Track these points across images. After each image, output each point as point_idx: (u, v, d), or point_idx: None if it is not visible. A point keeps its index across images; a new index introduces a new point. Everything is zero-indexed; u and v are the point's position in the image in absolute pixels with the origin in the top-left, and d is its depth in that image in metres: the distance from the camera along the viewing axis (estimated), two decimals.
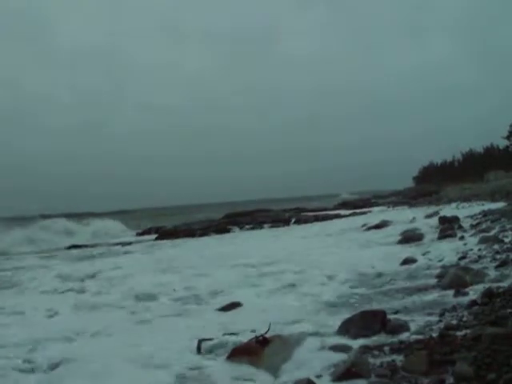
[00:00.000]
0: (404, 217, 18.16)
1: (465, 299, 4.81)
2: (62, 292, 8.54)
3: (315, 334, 4.47)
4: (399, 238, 11.73)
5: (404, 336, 3.92)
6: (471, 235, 9.90)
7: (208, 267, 10.16)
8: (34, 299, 7.97)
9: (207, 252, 13.76)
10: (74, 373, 3.95)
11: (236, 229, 24.69)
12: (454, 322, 4.05)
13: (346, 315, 4.67)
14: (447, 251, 8.45)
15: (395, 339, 3.86)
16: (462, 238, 9.79)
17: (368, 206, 35.55)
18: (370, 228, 15.83)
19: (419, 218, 16.76)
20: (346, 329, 4.26)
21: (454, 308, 4.53)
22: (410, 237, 11.36)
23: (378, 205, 36.51)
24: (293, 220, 26.37)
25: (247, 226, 25.45)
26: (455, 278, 5.60)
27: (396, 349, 3.58)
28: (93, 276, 10.22)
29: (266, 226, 25.19)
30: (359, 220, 20.67)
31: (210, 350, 4.19)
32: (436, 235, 11.00)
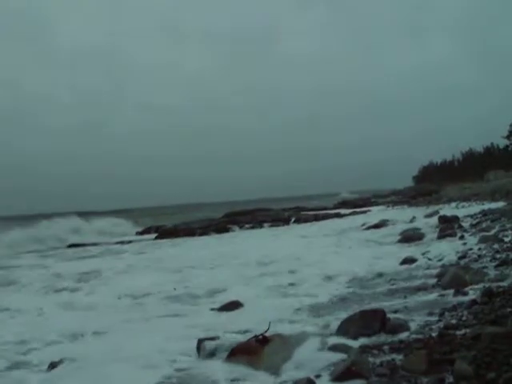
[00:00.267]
0: (404, 216, 18.16)
1: (464, 299, 4.81)
2: (57, 291, 8.54)
3: (315, 333, 4.47)
4: (399, 237, 11.73)
5: (404, 335, 3.92)
6: (471, 235, 9.91)
7: (207, 267, 10.17)
8: (27, 298, 7.96)
9: (206, 251, 13.77)
10: (69, 374, 3.96)
11: (236, 228, 24.70)
12: (454, 321, 4.05)
13: (346, 315, 4.67)
14: (447, 251, 8.45)
15: (395, 338, 3.86)
16: (461, 237, 9.79)
17: (368, 206, 35.55)
18: (369, 227, 15.83)
19: (419, 217, 16.76)
20: (345, 328, 4.26)
21: (454, 307, 4.53)
22: (410, 236, 11.37)
23: (377, 204, 36.50)
24: (292, 219, 26.36)
25: (247, 226, 25.44)
26: (455, 278, 5.60)
27: (396, 348, 3.58)
28: (89, 275, 10.22)
29: (265, 225, 25.19)
30: (359, 219, 20.67)
31: (210, 350, 4.19)
32: (436, 235, 11.00)
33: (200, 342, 4.27)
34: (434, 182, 48.71)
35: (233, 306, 5.99)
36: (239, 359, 3.72)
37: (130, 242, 21.69)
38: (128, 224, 31.64)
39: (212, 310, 6.03)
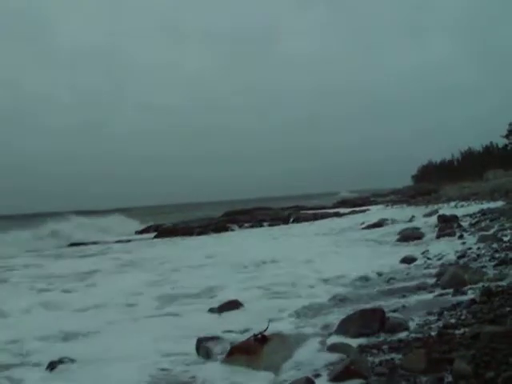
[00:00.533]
0: (403, 215, 18.17)
1: (463, 298, 4.81)
2: (45, 290, 8.50)
3: (314, 332, 4.48)
4: (398, 236, 11.74)
5: (403, 335, 3.92)
6: (470, 234, 9.92)
7: (206, 267, 10.17)
8: (14, 297, 7.92)
9: (205, 251, 13.75)
10: (66, 374, 3.96)
11: (235, 227, 24.69)
12: (453, 320, 4.05)
13: (345, 314, 4.67)
14: (446, 250, 8.46)
15: (394, 338, 3.86)
16: (460, 236, 9.80)
17: (367, 205, 35.55)
18: (368, 226, 15.85)
19: (418, 216, 16.77)
20: (344, 328, 4.26)
21: (453, 307, 4.53)
22: (409, 235, 11.39)
23: (376, 203, 36.49)
24: (292, 218, 26.36)
25: (246, 225, 25.44)
26: (454, 277, 5.60)
27: (395, 347, 3.58)
28: (82, 275, 10.21)
29: (265, 224, 25.19)
30: (358, 218, 20.68)
31: (209, 349, 4.19)
32: (435, 234, 11.01)
33: (199, 341, 4.27)
34: (433, 181, 48.68)
35: (231, 305, 5.97)
36: (238, 359, 3.72)
37: (128, 241, 21.70)
38: (129, 222, 31.59)
39: (210, 309, 6.02)
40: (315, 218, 25.32)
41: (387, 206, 30.38)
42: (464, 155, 56.06)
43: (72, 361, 4.21)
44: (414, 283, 6.29)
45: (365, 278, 7.16)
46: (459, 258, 7.47)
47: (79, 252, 17.49)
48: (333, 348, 3.77)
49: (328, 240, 13.93)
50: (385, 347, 3.63)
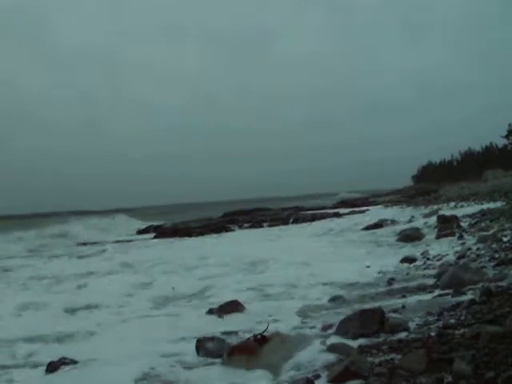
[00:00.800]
0: (403, 216, 18.17)
1: (463, 298, 4.81)
2: (55, 293, 8.47)
3: (314, 333, 4.48)
4: (398, 237, 11.74)
5: (402, 335, 3.93)
6: (470, 234, 9.91)
7: (205, 267, 10.15)
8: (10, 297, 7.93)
9: (203, 252, 13.73)
10: (65, 375, 3.96)
11: (235, 227, 24.67)
12: (453, 320, 4.05)
13: (345, 315, 4.67)
14: (446, 250, 8.46)
15: (394, 338, 3.86)
16: (460, 237, 9.80)
17: (367, 205, 35.52)
18: (368, 227, 15.82)
19: (418, 217, 16.76)
20: (344, 328, 4.26)
21: (453, 307, 4.53)
22: (409, 236, 11.38)
23: (376, 203, 36.47)
24: (291, 219, 26.34)
25: (246, 225, 25.43)
26: (454, 278, 5.60)
27: (395, 348, 3.58)
28: (85, 275, 10.22)
29: (264, 224, 25.16)
30: (358, 219, 20.67)
31: (209, 349, 4.19)
32: (435, 234, 11.00)
33: (199, 341, 4.27)
34: (432, 181, 48.71)
35: (231, 306, 5.96)
36: (238, 359, 3.72)
37: (129, 241, 21.74)
38: (132, 222, 31.56)
39: (209, 310, 6.02)
40: (315, 218, 25.29)
41: (387, 206, 30.36)
42: (464, 155, 56.02)
43: (72, 362, 4.21)
44: (413, 283, 6.30)
45: (364, 279, 7.16)
46: (459, 258, 7.47)
47: (79, 252, 17.48)
48: (332, 348, 3.77)
49: (327, 241, 13.92)
50: (384, 347, 3.63)
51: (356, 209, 30.64)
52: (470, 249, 8.06)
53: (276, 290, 7.09)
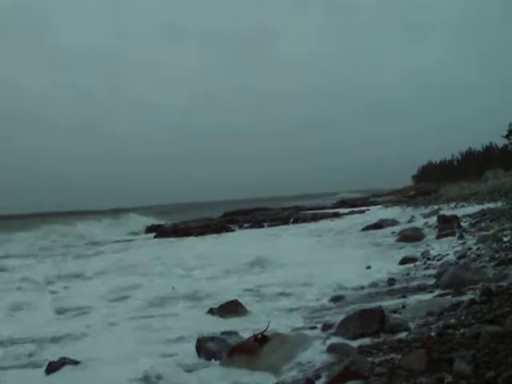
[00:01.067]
0: (403, 216, 18.17)
1: (463, 298, 4.80)
2: (52, 292, 8.47)
3: (314, 333, 4.48)
4: (398, 236, 11.73)
5: (403, 335, 3.92)
6: (470, 234, 9.91)
7: (205, 267, 10.15)
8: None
9: (204, 251, 13.74)
10: (65, 375, 3.96)
11: (235, 227, 24.66)
12: (453, 320, 4.05)
13: (345, 315, 4.67)
14: (446, 250, 8.45)
15: (394, 338, 3.86)
16: (460, 237, 9.79)
17: (367, 205, 35.52)
18: (368, 227, 15.80)
19: (418, 217, 16.76)
20: (344, 328, 4.26)
21: (453, 307, 4.53)
22: (409, 236, 11.36)
23: (376, 203, 36.48)
24: (292, 219, 26.33)
25: (246, 225, 25.42)
26: (454, 277, 5.60)
27: (395, 348, 3.57)
28: (90, 274, 10.22)
29: (265, 224, 25.15)
30: (358, 219, 20.67)
31: (210, 349, 4.19)
32: (435, 234, 11.00)
33: (199, 341, 4.27)
34: (433, 181, 48.71)
35: (231, 306, 5.97)
36: (238, 359, 3.72)
37: (129, 240, 21.77)
38: (139, 221, 31.46)
39: (210, 309, 6.02)
40: (315, 218, 25.28)
41: (387, 206, 30.37)
42: (464, 155, 56.02)
43: (73, 362, 4.21)
44: (414, 283, 6.29)
45: (364, 279, 7.15)
46: (459, 258, 7.46)
47: (79, 252, 17.48)
48: (333, 348, 3.77)
49: (327, 241, 13.92)
50: (385, 347, 3.63)
51: (356, 209, 30.65)
52: (470, 249, 8.06)
53: (276, 289, 7.09)
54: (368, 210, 28.83)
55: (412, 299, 5.36)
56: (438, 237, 10.54)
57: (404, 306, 5.01)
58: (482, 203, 16.97)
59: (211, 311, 5.96)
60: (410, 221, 15.91)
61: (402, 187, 58.07)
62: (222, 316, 5.71)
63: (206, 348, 4.15)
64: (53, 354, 4.47)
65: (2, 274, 11.58)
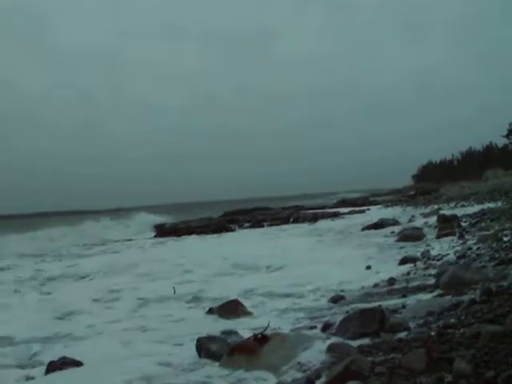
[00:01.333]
0: (403, 215, 18.17)
1: (463, 298, 4.80)
2: (46, 293, 8.46)
3: (314, 332, 4.48)
4: (398, 236, 11.73)
5: (403, 334, 3.92)
6: (470, 234, 9.91)
7: (205, 266, 10.16)
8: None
9: (204, 251, 13.75)
10: (66, 375, 3.96)
11: (235, 227, 24.67)
12: (453, 320, 4.05)
13: (345, 314, 4.67)
14: (446, 250, 8.45)
15: (394, 338, 3.86)
16: (461, 236, 9.79)
17: (367, 205, 35.53)
18: (368, 227, 15.81)
19: (418, 216, 16.77)
20: (344, 328, 4.26)
21: (453, 306, 4.53)
22: (409, 235, 11.36)
23: (376, 203, 36.49)
24: (292, 218, 26.34)
25: (246, 225, 25.43)
26: (454, 277, 5.60)
27: (395, 347, 3.57)
28: (90, 275, 10.22)
29: (265, 224, 25.16)
30: (358, 218, 20.70)
31: (210, 349, 4.19)
32: (435, 234, 11.00)
33: (199, 341, 4.26)
34: (433, 181, 48.75)
35: (231, 305, 5.97)
36: (238, 359, 3.72)
37: (129, 240, 21.81)
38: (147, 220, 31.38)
39: (210, 309, 6.02)
40: (315, 218, 25.28)
41: (387, 205, 30.39)
42: (464, 155, 56.06)
43: (73, 362, 4.20)
44: (414, 283, 6.29)
45: (364, 279, 7.16)
46: (459, 258, 7.46)
47: (79, 252, 17.49)
48: (333, 348, 3.77)
49: (328, 240, 13.93)
50: (385, 347, 3.63)
51: (356, 208, 30.64)
52: (470, 248, 8.05)
53: (276, 289, 7.09)
54: (368, 209, 28.85)
55: (412, 299, 5.36)
56: (438, 236, 10.54)
57: (404, 306, 5.01)
58: (482, 203, 16.98)
59: (211, 311, 5.96)
60: (410, 220, 15.92)
61: (402, 187, 58.17)
62: (221, 316, 5.71)
63: (206, 348, 4.15)
64: (53, 354, 4.46)
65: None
